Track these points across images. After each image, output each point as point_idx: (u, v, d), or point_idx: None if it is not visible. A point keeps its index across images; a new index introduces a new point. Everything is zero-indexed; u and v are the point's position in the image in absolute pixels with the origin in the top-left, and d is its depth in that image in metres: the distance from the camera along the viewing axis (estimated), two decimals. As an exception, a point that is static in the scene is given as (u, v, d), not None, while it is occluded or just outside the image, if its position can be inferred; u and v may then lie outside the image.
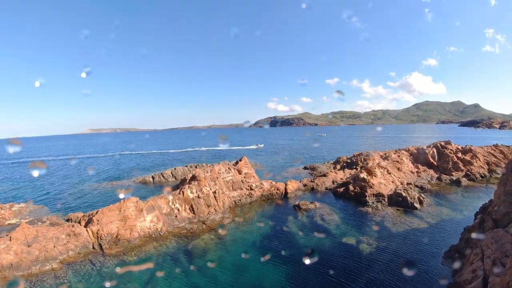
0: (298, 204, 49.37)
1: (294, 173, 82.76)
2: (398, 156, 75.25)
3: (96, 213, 40.00)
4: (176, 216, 43.56)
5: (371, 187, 53.36)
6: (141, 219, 40.23)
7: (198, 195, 46.01)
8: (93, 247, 36.19)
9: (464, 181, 62.26)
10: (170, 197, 44.96)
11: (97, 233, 37.33)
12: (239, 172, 59.35)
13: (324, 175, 68.41)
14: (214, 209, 46.83)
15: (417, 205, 45.94)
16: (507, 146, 79.27)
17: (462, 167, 68.30)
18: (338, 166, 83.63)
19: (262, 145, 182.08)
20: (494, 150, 76.89)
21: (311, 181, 64.29)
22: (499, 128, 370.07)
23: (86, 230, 37.43)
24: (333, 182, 64.89)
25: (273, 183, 60.79)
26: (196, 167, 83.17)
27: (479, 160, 70.98)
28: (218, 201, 48.28)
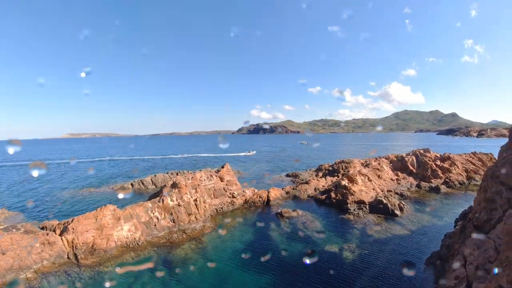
0: (281, 212, 48.92)
1: (277, 180, 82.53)
2: (379, 163, 76.44)
3: (72, 221, 37.99)
4: (155, 225, 42.06)
5: (352, 194, 53.71)
6: (118, 228, 38.56)
7: (179, 203, 44.71)
8: (68, 257, 34.29)
9: (443, 188, 63.86)
10: (149, 205, 43.44)
11: (72, 242, 35.43)
12: (221, 179, 58.40)
13: (306, 183, 68.46)
14: (195, 217, 45.59)
15: (397, 212, 46.48)
16: (485, 153, 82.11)
17: (441, 175, 70.12)
18: (320, 174, 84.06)
19: (254, 152, 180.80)
20: (473, 158, 79.53)
21: (294, 189, 64.14)
22: (477, 137, 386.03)
23: (61, 239, 35.46)
24: (315, 189, 64.96)
25: (256, 190, 60.23)
26: (177, 174, 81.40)
27: (458, 167, 73.16)
28: (199, 209, 47.10)
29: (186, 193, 46.64)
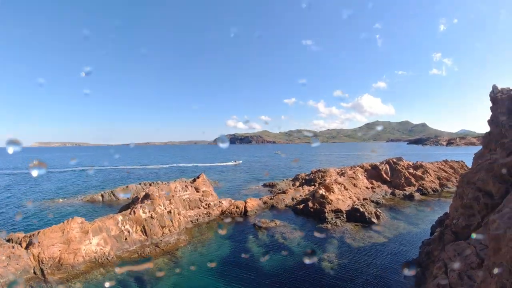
0: (258, 222, 47.76)
1: (254, 190, 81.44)
2: (354, 172, 77.52)
3: (38, 233, 34.92)
4: (126, 239, 39.52)
5: (329, 203, 53.63)
6: (86, 242, 35.85)
7: (151, 215, 42.46)
8: (34, 272, 31.34)
9: (417, 196, 65.54)
10: (120, 218, 40.86)
11: (38, 256, 32.44)
12: (197, 190, 56.58)
13: (284, 192, 67.92)
14: (169, 230, 43.44)
15: (374, 220, 46.77)
16: (456, 161, 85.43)
17: (414, 182, 72.09)
18: (297, 183, 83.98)
19: (240, 161, 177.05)
20: (444, 166, 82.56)
21: (271, 199, 63.30)
22: (446, 145, 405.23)
23: (27, 252, 32.36)
24: (292, 199, 64.54)
25: (232, 201, 58.79)
26: (150, 185, 78.24)
27: (430, 175, 75.57)
28: (174, 221, 45.00)
29: (159, 205, 44.46)
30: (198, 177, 60.61)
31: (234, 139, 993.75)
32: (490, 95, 29.41)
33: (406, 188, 70.44)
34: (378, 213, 49.12)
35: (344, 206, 53.87)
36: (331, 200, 54.26)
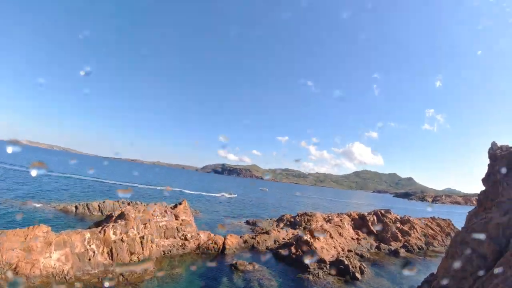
0: (236, 263, 44.35)
1: (235, 226, 77.75)
2: (341, 220, 75.07)
3: (1, 233, 31.42)
4: (89, 259, 35.85)
5: (313, 251, 50.78)
6: (46, 254, 32.34)
7: (122, 237, 39.09)
8: None
9: (402, 252, 63.12)
10: (88, 235, 37.37)
11: None
12: (176, 217, 53.31)
13: (267, 233, 64.77)
14: (138, 257, 39.90)
15: (358, 275, 43.92)
16: (443, 219, 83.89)
17: (401, 238, 69.90)
18: (281, 224, 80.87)
19: (235, 195, 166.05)
20: (431, 223, 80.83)
21: (252, 238, 59.92)
22: (432, 202, 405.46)
23: None
24: (275, 241, 61.36)
25: (212, 235, 55.26)
26: (128, 204, 74.19)
27: (417, 231, 73.64)
28: (145, 249, 41.54)
29: (132, 228, 41.20)
30: (180, 203, 57.53)
31: (223, 170, 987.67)
32: (489, 152, 28.80)
33: (391, 243, 68.05)
34: (362, 267, 46.39)
35: (328, 256, 51.03)
36: (316, 248, 51.47)
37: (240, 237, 58.60)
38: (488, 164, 28.33)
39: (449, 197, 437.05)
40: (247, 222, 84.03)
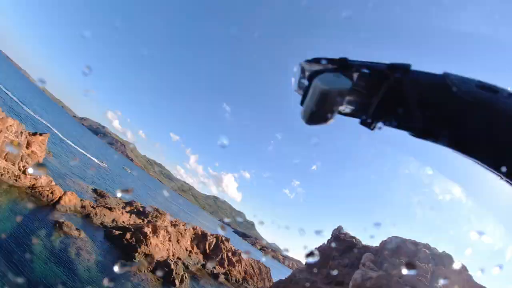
0: (63, 222, 39.73)
1: (81, 188, 69.67)
2: (185, 229, 76.44)
3: None
4: None
5: (147, 245, 49.93)
6: None
7: None
8: None
9: (222, 278, 68.03)
10: None
11: None
12: (28, 145, 44.94)
13: (109, 209, 60.28)
14: None
15: (177, 282, 45.38)
16: (265, 266, 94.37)
17: (226, 265, 75.36)
18: (128, 208, 76.53)
19: (106, 165, 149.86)
20: (256, 265, 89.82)
21: (92, 207, 54.79)
22: (259, 249, 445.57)
23: None
24: (113, 220, 57.54)
25: (53, 183, 48.18)
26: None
27: (241, 266, 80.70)
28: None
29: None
30: (40, 134, 48.58)
31: (104, 134, 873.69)
32: (333, 234, 35.26)
33: (217, 267, 72.70)
34: (184, 277, 48.11)
35: (158, 255, 51.03)
36: (151, 243, 50.76)
37: (81, 200, 52.76)
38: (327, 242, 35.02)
39: (274, 252, 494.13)
40: (95, 191, 76.18)
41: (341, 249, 31.69)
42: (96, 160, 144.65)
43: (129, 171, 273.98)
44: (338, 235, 35.30)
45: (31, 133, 47.79)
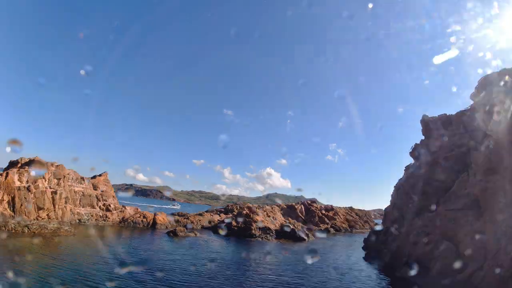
0: (175, 230, 38.49)
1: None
2: (272, 208, 74.67)
3: None
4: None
5: (255, 221, 48.09)
6: None
7: (29, 186, 29.74)
8: None
9: (332, 231, 65.70)
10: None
11: None
12: (95, 187, 44.32)
13: (200, 215, 59.51)
14: (48, 215, 30.81)
15: (304, 237, 43.13)
16: (360, 209, 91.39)
17: (327, 221, 72.89)
18: (213, 212, 76.11)
19: (179, 206, 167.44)
20: (350, 212, 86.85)
21: (186, 218, 53.99)
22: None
23: None
24: (209, 222, 56.56)
25: (139, 209, 47.69)
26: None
27: (340, 217, 78.05)
28: (57, 207, 32.49)
29: (44, 178, 32.00)
30: (100, 175, 48.30)
31: (135, 190, 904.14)
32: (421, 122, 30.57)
33: (320, 225, 70.35)
34: (307, 232, 45.92)
35: (272, 226, 49.11)
36: (257, 219, 48.90)
37: (172, 214, 52.26)
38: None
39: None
40: (173, 214, 76.05)
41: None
42: (172, 206, 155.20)
43: (177, 206, 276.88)
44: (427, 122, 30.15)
45: (91, 177, 47.16)
